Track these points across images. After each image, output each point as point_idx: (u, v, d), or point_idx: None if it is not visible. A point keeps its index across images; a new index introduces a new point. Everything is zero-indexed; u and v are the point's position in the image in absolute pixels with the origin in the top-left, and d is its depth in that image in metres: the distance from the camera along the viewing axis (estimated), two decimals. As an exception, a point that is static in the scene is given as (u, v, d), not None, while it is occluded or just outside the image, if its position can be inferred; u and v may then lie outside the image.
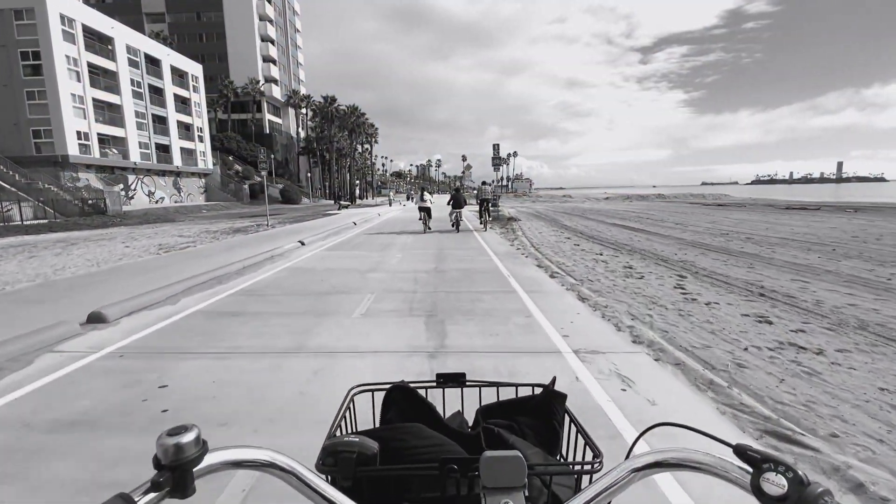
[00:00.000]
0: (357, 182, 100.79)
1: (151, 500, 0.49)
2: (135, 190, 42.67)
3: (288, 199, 56.76)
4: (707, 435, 0.63)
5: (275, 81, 74.57)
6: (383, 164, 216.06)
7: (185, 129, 51.13)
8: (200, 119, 53.26)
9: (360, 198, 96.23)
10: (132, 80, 42.61)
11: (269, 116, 75.11)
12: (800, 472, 0.49)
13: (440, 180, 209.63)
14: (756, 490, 0.50)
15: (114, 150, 40.75)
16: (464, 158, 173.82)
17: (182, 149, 49.74)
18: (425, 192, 18.43)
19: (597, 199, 73.77)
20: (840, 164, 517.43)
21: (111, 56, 40.28)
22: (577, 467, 0.72)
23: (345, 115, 56.09)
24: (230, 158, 64.14)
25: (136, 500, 0.48)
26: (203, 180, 53.77)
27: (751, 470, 0.51)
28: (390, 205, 41.35)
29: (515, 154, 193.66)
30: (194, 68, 52.19)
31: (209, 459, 0.54)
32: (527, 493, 0.59)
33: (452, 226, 17.13)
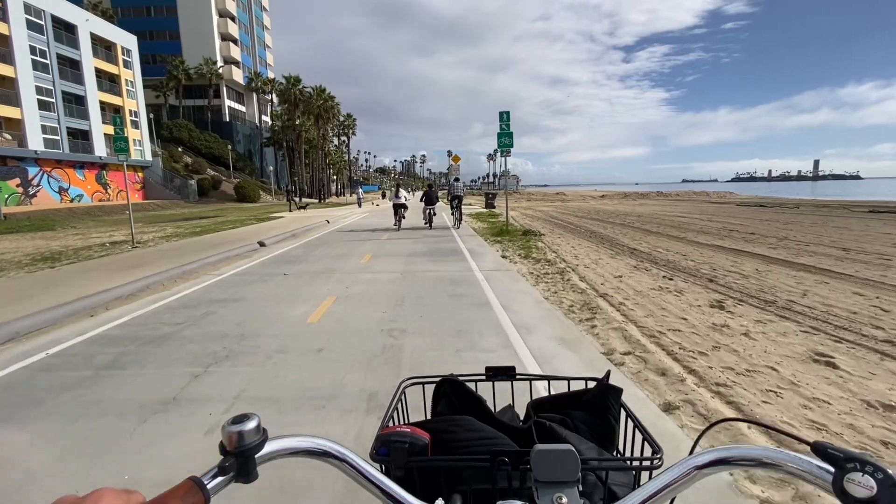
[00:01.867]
0: (334, 178, 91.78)
1: (219, 484, 0.51)
2: (38, 186, 33.62)
3: (243, 196, 47.99)
4: (781, 432, 0.61)
5: (236, 63, 65.34)
6: (366, 160, 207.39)
7: (116, 113, 41.96)
8: (135, 101, 44.08)
9: (338, 194, 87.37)
10: (33, 49, 33.46)
11: (229, 103, 65.90)
12: (890, 472, 0.45)
13: (424, 176, 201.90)
14: (839, 492, 0.46)
15: (5, 135, 31.67)
16: (450, 153, 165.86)
17: (109, 136, 40.65)
18: (401, 190, 17.94)
19: (593, 197, 66.39)
20: (816, 163, 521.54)
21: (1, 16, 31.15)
22: (636, 463, 0.68)
23: (310, 99, 47.42)
24: (179, 150, 55.04)
25: (205, 482, 0.50)
26: (140, 174, 44.71)
27: (832, 470, 0.47)
28: (359, 206, 33.56)
29: (511, 159, 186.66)
30: (125, 39, 42.96)
31: (269, 447, 0.55)
32: (581, 489, 0.58)
33: (425, 222, 16.78)
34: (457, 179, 20.11)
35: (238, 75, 64.62)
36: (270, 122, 63.24)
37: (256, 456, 0.54)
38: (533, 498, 0.57)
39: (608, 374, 0.90)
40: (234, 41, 65.28)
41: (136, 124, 43.97)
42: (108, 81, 41.57)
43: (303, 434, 0.58)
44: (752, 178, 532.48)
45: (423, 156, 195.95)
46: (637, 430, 0.78)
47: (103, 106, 40.20)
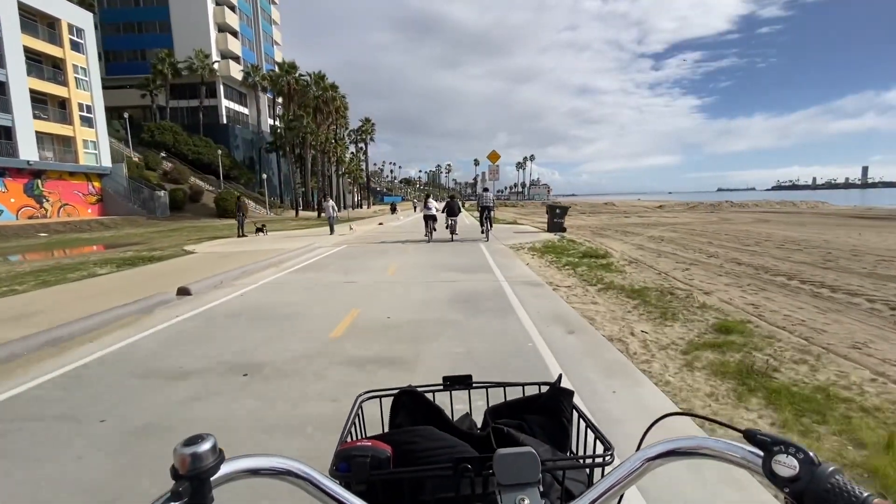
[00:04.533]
0: (351, 187, 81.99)
1: None
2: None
3: (225, 211, 38.07)
4: (717, 422, 0.65)
5: (235, 59, 56.21)
6: (391, 171, 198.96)
7: (60, 108, 32.77)
8: (89, 94, 34.77)
9: (354, 206, 77.47)
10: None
11: (227, 103, 56.74)
12: (810, 453, 0.48)
13: (450, 187, 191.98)
14: (769, 473, 0.49)
15: None
16: (476, 162, 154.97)
17: (46, 135, 31.38)
18: (430, 199, 16.89)
19: (648, 208, 54.09)
20: (865, 169, 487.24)
21: None
22: (589, 461, 0.71)
23: (305, 89, 37.34)
24: (162, 155, 45.89)
25: None
26: (94, 185, 35.34)
27: (762, 454, 0.51)
28: (331, 231, 18.22)
29: (532, 158, 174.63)
30: (75, 15, 33.73)
31: (226, 468, 0.53)
32: (541, 489, 0.58)
33: (447, 228, 15.72)
34: (486, 189, 18.11)
35: (238, 72, 55.45)
36: (275, 125, 53.49)
37: (212, 479, 0.51)
38: (496, 502, 0.57)
39: (560, 377, 0.93)
40: (234, 33, 56.25)
41: (88, 121, 34.59)
42: (51, 67, 32.38)
43: (261, 454, 0.57)
44: (794, 187, 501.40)
45: (449, 165, 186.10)
46: (589, 430, 0.80)
47: (39, 97, 30.89)
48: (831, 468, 0.47)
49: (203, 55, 49.84)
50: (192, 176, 45.87)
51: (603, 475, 0.61)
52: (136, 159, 43.68)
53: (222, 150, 49.10)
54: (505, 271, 8.94)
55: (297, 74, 38.51)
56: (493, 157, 25.52)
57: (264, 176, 45.11)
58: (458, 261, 10.42)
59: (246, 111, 60.50)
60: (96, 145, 35.22)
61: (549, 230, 17.51)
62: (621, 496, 0.63)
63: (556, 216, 17.46)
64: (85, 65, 34.45)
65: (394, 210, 40.70)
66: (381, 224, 25.01)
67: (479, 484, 0.65)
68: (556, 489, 0.69)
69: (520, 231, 18.45)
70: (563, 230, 17.30)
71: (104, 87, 54.89)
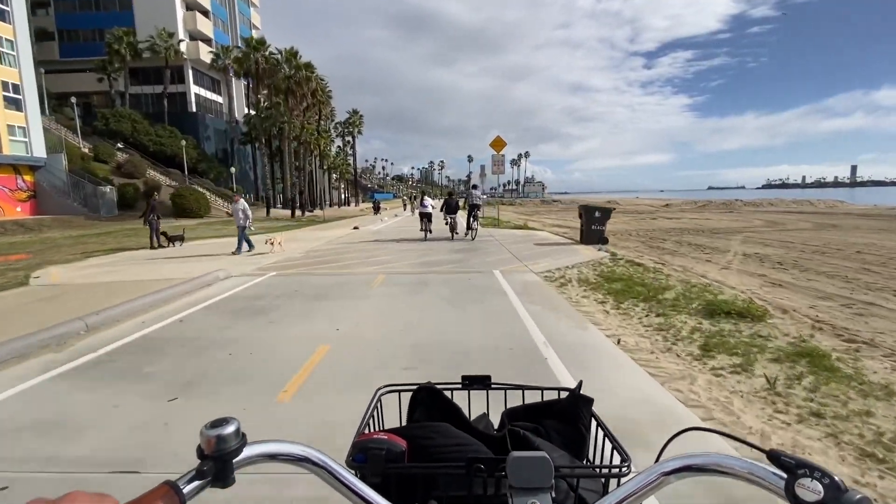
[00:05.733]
0: (337, 183, 76.44)
1: (195, 488, 0.50)
2: None
3: (183, 209, 32.64)
4: (740, 440, 0.63)
5: (206, 41, 50.53)
6: (383, 167, 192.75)
7: (-24, 86, 27.12)
8: (16, 71, 29.12)
9: (340, 204, 71.94)
10: None
11: (196, 90, 51.05)
12: (836, 479, 0.46)
13: (443, 184, 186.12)
14: (791, 496, 0.48)
15: None
16: (470, 159, 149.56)
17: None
18: (426, 197, 16.34)
19: (653, 206, 49.38)
20: (854, 168, 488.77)
21: None
22: (605, 471, 0.69)
23: (275, 68, 31.78)
24: (118, 146, 40.23)
25: (182, 487, 0.49)
26: (25, 178, 29.75)
27: (785, 476, 0.49)
28: (238, 249, 11.74)
29: (527, 155, 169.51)
30: (-6, -25, 28.00)
31: (248, 451, 0.54)
32: (553, 496, 0.58)
33: (446, 225, 14.93)
34: (475, 186, 17.09)
35: (209, 56, 49.70)
36: (249, 114, 47.81)
37: (234, 460, 0.53)
38: None
39: (580, 384, 0.90)
40: (204, 12, 50.58)
41: (16, 104, 28.95)
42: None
43: (282, 440, 0.58)
44: (784, 185, 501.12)
45: (442, 162, 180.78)
46: (607, 439, 0.77)
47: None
48: (858, 496, 0.45)
49: (167, 34, 44.09)
50: (152, 169, 40.27)
51: (619, 486, 0.60)
52: (86, 150, 38.06)
53: (188, 141, 43.53)
54: (581, 368, 3.84)
55: (266, 52, 32.89)
56: (498, 144, 20.35)
57: (233, 170, 39.48)
58: (468, 328, 5.27)
59: (220, 99, 54.81)
60: (26, 132, 29.57)
61: (584, 241, 12.42)
62: None
63: (593, 221, 12.36)
64: (11, 36, 28.76)
65: (377, 209, 34.61)
66: (356, 228, 19.75)
67: (491, 485, 0.64)
68: (570, 497, 0.67)
69: (541, 242, 13.34)
70: (605, 241, 12.24)
71: (57, 71, 49.25)
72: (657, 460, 0.61)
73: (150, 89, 48.78)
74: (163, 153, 42.53)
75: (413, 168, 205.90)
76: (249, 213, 12.03)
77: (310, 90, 32.42)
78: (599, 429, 0.82)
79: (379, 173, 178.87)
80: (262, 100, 37.82)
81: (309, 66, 32.45)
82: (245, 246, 11.94)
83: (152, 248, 13.68)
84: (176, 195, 33.10)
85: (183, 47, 47.26)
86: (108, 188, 32.05)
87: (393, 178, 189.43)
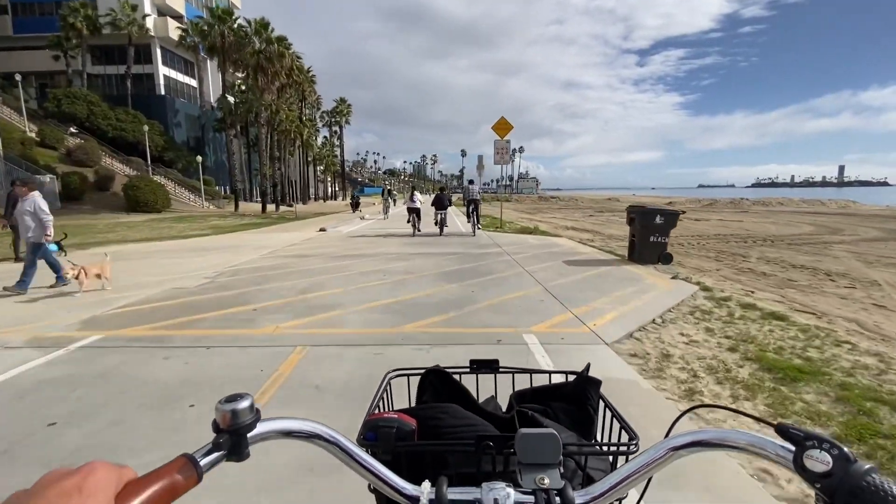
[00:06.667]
0: (323, 176, 71.93)
1: (212, 461, 0.51)
2: None
3: (137, 203, 28.22)
4: (748, 415, 0.63)
5: (177, 17, 45.75)
6: (375, 161, 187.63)
7: None
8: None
9: (325, 198, 67.45)
10: None
11: (165, 71, 46.36)
12: (845, 449, 0.47)
13: (436, 178, 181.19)
14: (800, 468, 0.48)
15: None
16: (463, 153, 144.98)
17: None
18: (416, 193, 15.52)
19: (654, 204, 45.67)
20: (842, 168, 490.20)
21: None
22: (613, 448, 0.70)
23: (242, 42, 27.19)
24: (71, 131, 35.58)
25: (199, 459, 0.49)
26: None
27: (793, 448, 0.50)
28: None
29: (521, 150, 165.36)
30: None
31: (261, 427, 0.55)
32: (562, 471, 0.59)
33: (436, 224, 14.57)
34: (471, 182, 16.72)
35: (178, 33, 44.91)
36: (223, 97, 43.07)
37: (249, 435, 0.53)
38: (516, 480, 0.57)
39: (588, 366, 0.90)
40: (175, -15, 45.72)
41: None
42: None
43: (295, 417, 0.58)
44: (773, 184, 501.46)
45: (434, 156, 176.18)
46: (615, 420, 0.77)
47: None
48: (867, 466, 0.45)
49: (130, 7, 39.31)
50: (110, 157, 35.69)
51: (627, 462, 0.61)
52: (32, 134, 33.42)
53: (154, 127, 38.94)
54: None
55: (234, 24, 28.34)
56: (502, 127, 16.25)
57: (199, 159, 35.00)
58: None
59: (194, 83, 50.01)
60: (-55, 110, 24.90)
61: (638, 259, 8.41)
62: (647, 485, 0.64)
63: (653, 230, 8.33)
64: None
65: (356, 206, 29.84)
66: (322, 231, 15.50)
67: (500, 462, 0.64)
68: (579, 475, 0.69)
69: (571, 258, 9.24)
70: (669, 259, 8.25)
71: (9, 48, 44.33)
72: (667, 435, 0.61)
73: (115, 70, 43.99)
74: (123, 139, 37.89)
75: (405, 162, 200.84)
76: (47, 217, 6.53)
77: (283, 68, 27.91)
78: (607, 410, 0.81)
79: (371, 167, 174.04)
80: (236, 83, 33.35)
81: (282, 41, 27.94)
82: (53, 277, 6.78)
83: (16, 259, 9.45)
84: (129, 186, 28.59)
85: (150, 23, 42.55)
86: (47, 178, 27.47)
87: (385, 172, 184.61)
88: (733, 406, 0.70)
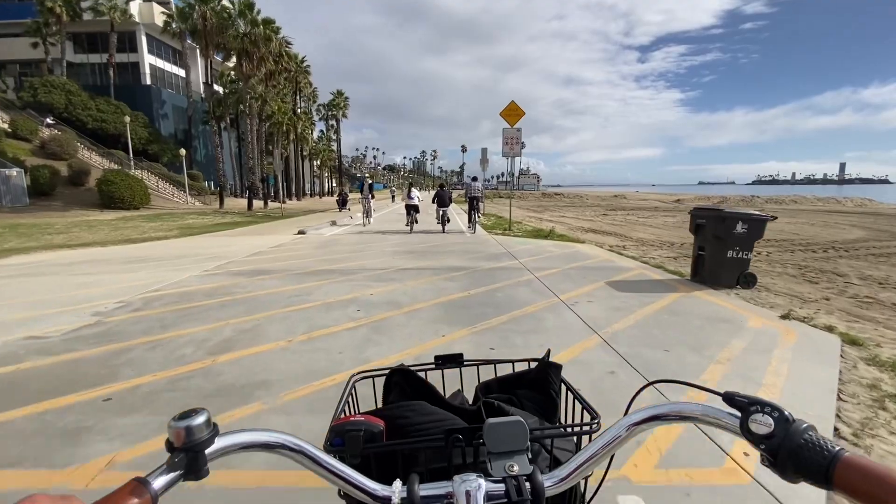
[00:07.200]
0: (318, 171, 69.52)
1: (166, 483, 0.48)
2: None
3: (112, 199, 25.91)
4: (699, 387, 0.66)
5: (164, 3, 43.20)
6: (374, 157, 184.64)
7: None
8: None
9: (322, 194, 65.02)
10: None
11: (151, 60, 43.96)
12: (785, 412, 0.50)
13: (436, 175, 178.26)
14: (745, 431, 0.51)
15: None
16: (463, 149, 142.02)
17: None
18: (414, 189, 15.69)
19: (663, 202, 43.54)
20: (843, 166, 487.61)
21: None
22: (577, 429, 0.72)
23: (225, 24, 24.76)
24: (47, 122, 33.22)
25: (151, 482, 0.47)
26: None
27: (739, 414, 0.52)
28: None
29: (523, 146, 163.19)
30: None
31: (220, 442, 0.53)
32: (530, 457, 0.60)
33: (438, 222, 14.57)
34: (474, 178, 16.54)
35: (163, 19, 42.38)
36: (209, 84, 40.45)
37: (207, 451, 0.51)
38: (486, 470, 0.58)
39: (548, 352, 0.91)
40: (162, -31, 43.16)
41: None
42: None
43: (255, 429, 0.56)
44: (773, 181, 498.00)
45: (434, 152, 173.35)
46: (576, 401, 0.79)
47: None
48: (805, 425, 0.49)
49: (111, -9, 36.82)
50: (89, 150, 33.36)
51: (591, 441, 0.62)
52: (4, 125, 31.05)
53: (138, 119, 36.60)
54: None
55: (217, 4, 25.91)
56: (512, 113, 13.98)
57: (182, 152, 32.68)
58: None
59: (182, 73, 47.43)
60: None
61: (708, 281, 6.14)
62: (610, 461, 0.68)
63: (732, 243, 6.04)
64: None
65: (343, 204, 26.97)
66: (300, 233, 13.19)
67: (469, 454, 0.65)
68: (545, 458, 0.70)
69: (620, 280, 6.94)
70: (752, 281, 6.00)
71: (-14, 35, 41.87)
72: (626, 412, 0.63)
73: (98, 58, 41.55)
74: (104, 131, 35.58)
75: (405, 158, 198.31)
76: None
77: (271, 52, 25.55)
78: (569, 393, 0.84)
79: (370, 163, 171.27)
80: (226, 72, 30.93)
81: (269, 23, 25.52)
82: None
83: None
84: (104, 181, 26.23)
85: (134, 8, 40.14)
86: (14, 171, 25.16)
87: (385, 168, 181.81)
88: (684, 381, 0.65)
